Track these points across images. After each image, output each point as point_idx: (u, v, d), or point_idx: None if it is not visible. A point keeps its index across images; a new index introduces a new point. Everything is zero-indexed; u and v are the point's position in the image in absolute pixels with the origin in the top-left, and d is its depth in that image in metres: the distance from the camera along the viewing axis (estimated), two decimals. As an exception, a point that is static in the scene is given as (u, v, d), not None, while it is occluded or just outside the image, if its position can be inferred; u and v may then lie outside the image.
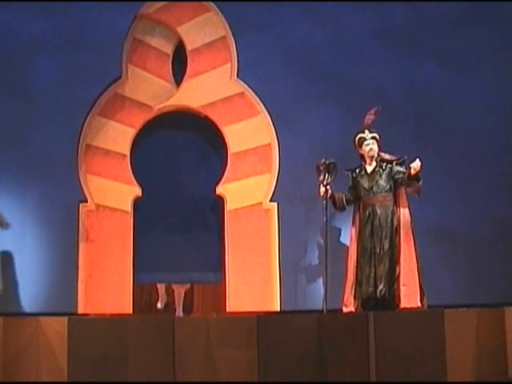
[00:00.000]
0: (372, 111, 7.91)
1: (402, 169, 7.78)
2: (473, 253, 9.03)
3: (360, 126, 7.97)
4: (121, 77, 9.34)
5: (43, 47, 9.20)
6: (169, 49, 9.51)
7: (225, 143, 9.25)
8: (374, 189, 7.78)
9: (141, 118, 9.36)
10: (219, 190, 9.14)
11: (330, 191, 7.77)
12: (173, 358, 6.68)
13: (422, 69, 9.36)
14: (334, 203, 7.87)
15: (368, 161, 7.88)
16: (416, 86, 9.32)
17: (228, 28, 9.40)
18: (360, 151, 7.93)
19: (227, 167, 9.20)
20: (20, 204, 8.74)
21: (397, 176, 7.76)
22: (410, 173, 7.57)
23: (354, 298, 7.66)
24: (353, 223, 7.88)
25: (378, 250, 7.63)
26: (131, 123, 9.35)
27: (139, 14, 9.48)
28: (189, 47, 9.45)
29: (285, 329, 6.82)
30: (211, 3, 9.45)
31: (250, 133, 9.26)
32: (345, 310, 7.65)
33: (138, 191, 9.21)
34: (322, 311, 7.59)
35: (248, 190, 9.14)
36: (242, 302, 8.69)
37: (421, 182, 7.68)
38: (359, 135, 7.91)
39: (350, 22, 9.47)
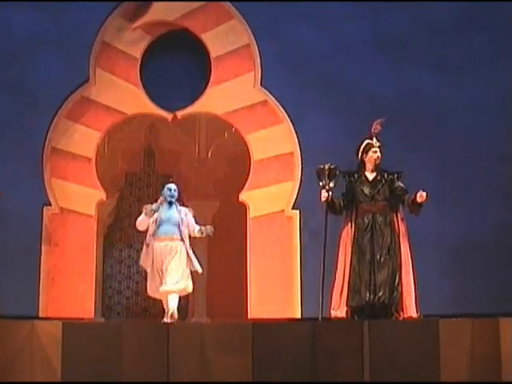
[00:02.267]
0: (379, 121, 7.90)
1: (401, 184, 7.76)
2: (469, 263, 9.03)
3: (365, 134, 7.97)
4: (88, 80, 9.33)
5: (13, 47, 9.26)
6: (138, 53, 9.53)
7: (247, 150, 9.28)
8: (376, 197, 7.76)
9: (107, 122, 9.39)
10: (242, 197, 9.17)
11: (330, 196, 7.74)
12: (167, 363, 6.67)
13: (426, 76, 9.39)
14: (334, 208, 7.82)
15: (371, 168, 7.85)
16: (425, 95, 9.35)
17: (252, 36, 9.42)
18: (364, 157, 7.88)
19: (250, 175, 9.23)
20: (-17, 206, 8.67)
21: (397, 192, 7.73)
22: (415, 199, 7.57)
23: (346, 304, 7.62)
24: (345, 228, 7.83)
25: (378, 257, 7.61)
26: (97, 127, 9.42)
27: (158, 20, 9.51)
28: (213, 55, 9.47)
29: (279, 336, 6.81)
30: (234, 10, 9.45)
31: (273, 141, 9.33)
32: (333, 313, 7.60)
33: (102, 195, 9.23)
34: (317, 319, 7.58)
35: (270, 198, 9.21)
36: (263, 308, 8.70)
37: (421, 207, 7.67)
38: (367, 141, 7.89)
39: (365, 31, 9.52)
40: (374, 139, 7.90)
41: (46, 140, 9.21)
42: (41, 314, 8.71)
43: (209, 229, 8.27)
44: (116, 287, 11.50)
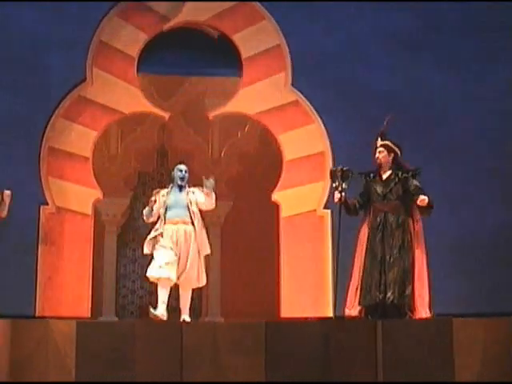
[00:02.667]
0: (386, 119, 7.88)
1: (416, 183, 7.73)
2: (482, 262, 9.01)
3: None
4: (85, 79, 9.36)
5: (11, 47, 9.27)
6: (134, 52, 9.55)
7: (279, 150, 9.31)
8: (388, 196, 7.74)
9: (104, 121, 9.42)
10: (274, 196, 9.19)
11: (343, 198, 7.74)
12: (180, 362, 6.68)
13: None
14: (348, 209, 7.82)
15: (383, 167, 7.84)
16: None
17: (282, 37, 9.45)
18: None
19: (282, 174, 9.25)
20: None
21: (412, 190, 7.71)
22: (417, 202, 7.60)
23: (359, 303, 7.62)
24: (362, 228, 7.84)
25: (388, 257, 7.59)
26: (94, 126, 9.44)
27: (189, 21, 9.56)
28: (244, 55, 9.50)
29: (292, 335, 6.81)
30: (265, 11, 9.49)
31: (304, 141, 9.35)
32: (347, 312, 7.61)
33: (99, 194, 9.26)
34: (331, 318, 7.59)
35: (302, 197, 9.21)
36: (295, 307, 8.69)
37: (432, 210, 7.66)
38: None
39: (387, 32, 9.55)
40: (379, 139, 7.89)
41: (43, 139, 9.24)
42: (38, 314, 8.73)
43: (208, 183, 8.03)
44: (130, 287, 11.53)
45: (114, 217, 11.14)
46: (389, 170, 7.83)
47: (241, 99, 9.66)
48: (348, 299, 7.67)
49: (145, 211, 8.19)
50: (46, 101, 9.26)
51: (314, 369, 6.68)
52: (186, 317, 7.89)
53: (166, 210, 8.03)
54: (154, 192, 8.25)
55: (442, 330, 6.92)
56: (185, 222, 7.99)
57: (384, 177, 7.81)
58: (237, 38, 9.67)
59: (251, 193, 11.44)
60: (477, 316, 7.50)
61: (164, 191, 8.18)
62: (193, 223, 7.99)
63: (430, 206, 7.60)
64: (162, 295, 7.85)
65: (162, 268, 7.83)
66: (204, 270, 8.05)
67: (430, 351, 6.81)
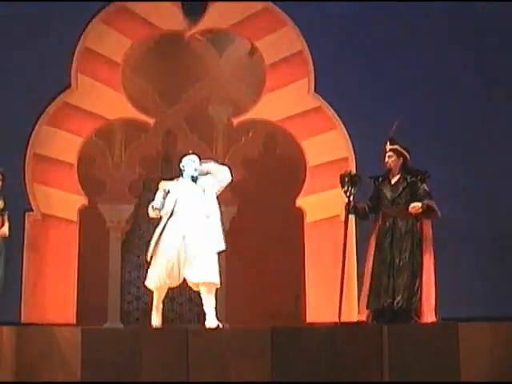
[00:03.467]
0: (395, 123, 7.88)
1: (425, 187, 7.72)
2: (490, 266, 9.01)
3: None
4: (70, 85, 9.37)
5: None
6: (119, 57, 9.56)
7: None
8: (397, 200, 7.73)
9: (89, 127, 9.42)
10: (299, 202, 9.20)
11: (352, 202, 7.72)
12: (186, 369, 6.67)
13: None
14: (358, 213, 7.82)
15: (393, 171, 7.83)
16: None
17: (304, 43, 9.47)
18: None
19: (306, 180, 9.27)
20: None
21: (419, 194, 7.69)
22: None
23: (366, 307, 7.61)
24: (372, 232, 7.83)
25: (397, 262, 7.57)
26: (79, 132, 9.46)
27: (211, 28, 9.58)
28: (267, 61, 9.53)
29: (298, 340, 6.80)
30: (287, 17, 9.53)
31: (328, 147, 9.37)
32: (358, 317, 7.62)
33: (84, 200, 9.26)
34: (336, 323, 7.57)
35: (326, 203, 9.21)
36: (321, 312, 8.69)
37: (435, 213, 7.65)
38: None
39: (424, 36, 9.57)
40: (388, 143, 7.88)
41: (28, 146, 9.26)
42: (23, 320, 8.74)
43: (207, 164, 7.78)
44: (134, 293, 11.52)
45: (119, 223, 11.14)
46: (398, 174, 7.82)
47: (264, 106, 9.72)
48: (360, 304, 7.67)
49: (155, 203, 7.68)
50: (31, 107, 9.27)
51: (320, 374, 6.67)
52: (208, 322, 7.39)
53: (175, 203, 7.59)
54: (161, 184, 7.83)
55: (447, 335, 6.90)
56: (198, 215, 7.53)
57: (393, 181, 7.80)
58: (259, 45, 9.72)
59: (256, 198, 11.43)
60: (483, 320, 7.48)
61: (172, 183, 7.78)
62: (206, 216, 7.53)
63: (431, 210, 7.59)
64: (158, 303, 7.58)
65: (160, 278, 7.48)
66: (217, 268, 7.49)
67: (436, 356, 6.78)
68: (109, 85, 9.57)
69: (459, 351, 6.82)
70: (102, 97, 9.55)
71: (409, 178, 7.76)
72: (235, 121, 10.01)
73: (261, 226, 11.66)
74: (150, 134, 11.34)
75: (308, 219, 9.39)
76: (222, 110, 11.60)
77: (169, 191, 7.65)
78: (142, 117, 9.94)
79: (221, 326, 7.28)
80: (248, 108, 10.21)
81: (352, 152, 9.32)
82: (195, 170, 7.77)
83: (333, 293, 8.84)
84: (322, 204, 9.34)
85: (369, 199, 7.85)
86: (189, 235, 7.45)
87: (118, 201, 11.06)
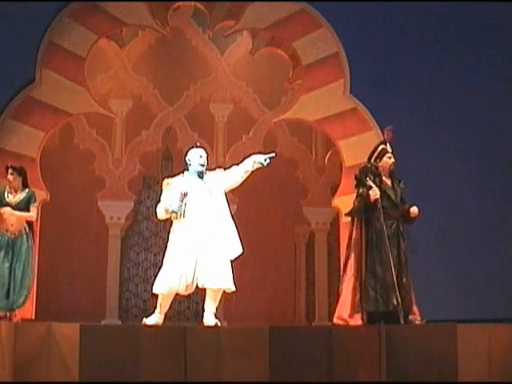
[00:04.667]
0: (391, 127, 7.87)
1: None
2: (489, 268, 9.02)
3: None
4: (34, 80, 9.38)
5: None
6: (84, 52, 9.56)
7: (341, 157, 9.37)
8: (398, 202, 7.71)
9: (53, 122, 9.43)
10: (335, 202, 9.20)
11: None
12: (184, 366, 6.66)
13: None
14: (366, 208, 7.65)
15: (386, 174, 7.79)
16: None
17: (340, 44, 9.51)
18: (378, 163, 7.78)
19: (342, 180, 9.30)
20: None
21: (404, 199, 7.72)
22: (408, 212, 7.57)
23: (362, 309, 7.49)
24: (357, 232, 7.71)
25: (403, 263, 7.56)
26: (43, 127, 9.46)
27: (248, 29, 9.59)
28: (303, 62, 9.59)
29: (296, 340, 6.79)
30: (323, 19, 9.58)
31: (363, 147, 9.36)
32: (351, 322, 7.47)
33: (45, 195, 9.28)
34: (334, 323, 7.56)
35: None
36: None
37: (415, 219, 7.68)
38: (381, 146, 7.84)
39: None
40: (388, 145, 7.86)
41: None
42: None
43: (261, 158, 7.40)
44: (133, 290, 11.54)
45: (118, 220, 11.14)
46: (388, 177, 7.79)
47: (301, 106, 9.79)
48: (349, 306, 7.52)
49: (173, 207, 7.04)
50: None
51: (317, 374, 6.66)
52: (206, 320, 7.14)
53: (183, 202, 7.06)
54: (165, 182, 7.26)
55: (446, 336, 6.89)
56: (210, 218, 7.10)
57: (389, 183, 7.76)
58: (296, 46, 9.78)
59: (255, 196, 11.44)
60: (481, 322, 7.48)
61: (178, 181, 7.25)
62: (217, 216, 7.12)
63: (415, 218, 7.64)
64: (165, 306, 7.26)
65: (170, 283, 7.06)
66: (230, 272, 7.15)
67: (434, 356, 6.78)
68: (73, 79, 9.57)
69: (457, 352, 6.81)
70: (66, 91, 9.54)
71: (401, 182, 7.77)
72: (273, 120, 10.23)
73: (260, 225, 11.67)
74: (151, 130, 11.36)
75: (344, 219, 9.40)
76: (223, 108, 11.62)
77: (186, 193, 7.07)
78: (106, 112, 9.94)
79: (219, 324, 7.24)
80: (287, 108, 10.42)
81: None
82: (202, 165, 7.26)
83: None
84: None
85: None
86: (203, 242, 7.06)
87: (118, 197, 11.06)
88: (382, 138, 9.31)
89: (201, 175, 7.28)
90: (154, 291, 7.19)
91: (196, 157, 7.30)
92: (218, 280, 7.05)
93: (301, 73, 10.15)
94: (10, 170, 8.24)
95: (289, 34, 9.82)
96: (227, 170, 7.38)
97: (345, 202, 9.27)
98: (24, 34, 9.38)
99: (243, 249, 7.31)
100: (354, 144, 9.50)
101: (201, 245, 7.06)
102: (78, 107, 9.73)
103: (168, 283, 7.07)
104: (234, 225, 7.30)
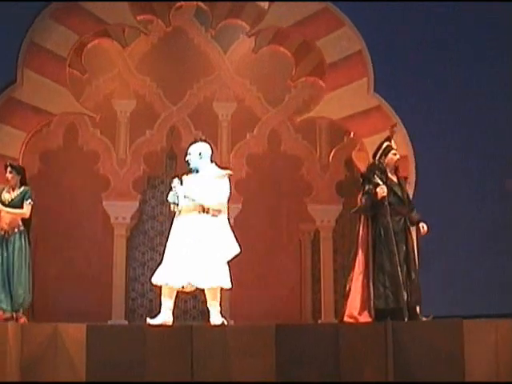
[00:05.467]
0: (394, 124, 7.88)
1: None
2: (495, 263, 9.02)
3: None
4: (16, 80, 9.38)
5: None
6: (65, 52, 9.54)
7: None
8: (406, 199, 7.72)
9: (35, 123, 9.43)
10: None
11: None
12: (191, 365, 6.65)
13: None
14: (373, 205, 7.63)
15: (392, 170, 7.78)
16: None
17: (363, 43, 9.54)
18: (383, 159, 7.78)
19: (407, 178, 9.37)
20: None
21: (408, 197, 7.74)
22: (417, 225, 7.62)
23: (373, 306, 7.48)
24: (364, 229, 7.72)
25: (412, 260, 7.56)
26: (24, 127, 9.45)
27: (272, 27, 9.78)
28: (327, 61, 9.63)
29: (303, 338, 6.79)
30: (345, 17, 9.61)
31: None
32: (361, 319, 7.47)
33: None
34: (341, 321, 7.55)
35: None
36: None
37: None
38: (386, 143, 7.82)
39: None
40: (393, 141, 7.86)
41: None
42: None
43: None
44: (139, 290, 11.54)
45: (123, 220, 11.14)
46: (393, 173, 7.78)
47: (325, 104, 9.83)
48: (358, 304, 7.52)
49: (169, 198, 7.39)
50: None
51: (324, 372, 6.66)
52: (212, 319, 7.22)
53: (178, 198, 7.30)
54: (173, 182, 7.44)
55: (452, 332, 6.88)
56: (198, 212, 7.23)
57: (395, 180, 7.75)
58: (319, 44, 9.82)
59: (260, 195, 11.45)
60: (488, 317, 7.47)
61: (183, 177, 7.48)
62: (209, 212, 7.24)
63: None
64: (166, 301, 7.34)
65: (166, 274, 7.24)
66: (225, 269, 7.26)
67: (441, 353, 6.77)
68: (55, 80, 9.56)
69: (464, 348, 6.79)
70: (47, 92, 9.53)
71: (405, 179, 7.81)
72: (298, 119, 10.23)
73: (265, 223, 11.67)
74: (155, 130, 11.36)
75: None
76: (227, 107, 11.61)
77: (175, 184, 7.32)
78: (87, 112, 9.92)
79: (225, 322, 7.26)
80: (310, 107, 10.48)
81: (411, 150, 9.37)
82: (187, 162, 7.43)
83: None
84: None
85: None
86: (195, 239, 7.18)
87: (123, 197, 11.06)
88: (405, 135, 9.38)
89: (195, 171, 7.42)
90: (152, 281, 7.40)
91: (191, 153, 7.48)
92: (210, 279, 7.14)
93: (322, 71, 10.22)
94: (8, 169, 8.25)
95: (312, 33, 9.88)
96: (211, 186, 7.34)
97: None
98: (5, 34, 9.36)
99: (241, 248, 7.45)
100: (378, 141, 9.52)
101: (193, 242, 7.16)
102: (59, 107, 9.71)
103: (162, 275, 7.25)
104: (228, 225, 7.43)
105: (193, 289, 7.37)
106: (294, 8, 9.82)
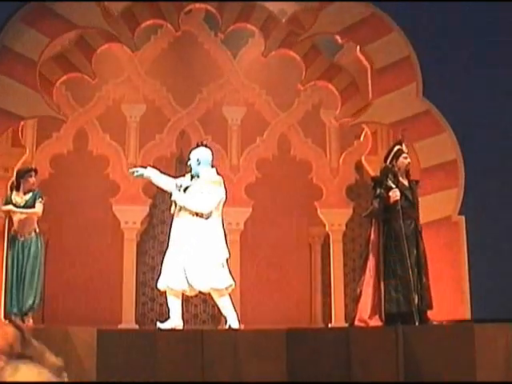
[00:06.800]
0: (405, 128, 7.87)
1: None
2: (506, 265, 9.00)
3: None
4: None
5: None
6: (36, 56, 9.53)
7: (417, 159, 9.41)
8: (415, 203, 7.71)
9: (5, 126, 9.42)
10: None
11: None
12: (202, 370, 6.65)
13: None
14: (385, 209, 7.65)
15: (403, 174, 7.77)
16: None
17: (411, 48, 9.56)
18: (394, 163, 7.78)
19: (419, 182, 9.38)
20: None
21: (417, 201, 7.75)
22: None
23: (384, 310, 7.47)
24: (374, 233, 7.71)
25: (422, 264, 7.55)
26: None
27: (322, 32, 9.93)
28: (376, 66, 9.69)
29: (314, 343, 6.78)
30: (393, 23, 9.64)
31: (437, 149, 9.44)
32: (372, 323, 7.47)
33: None
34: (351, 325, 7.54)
35: (437, 204, 9.28)
36: (434, 311, 8.68)
37: None
38: (397, 147, 7.83)
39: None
40: (403, 145, 7.85)
41: None
42: None
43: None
44: (149, 294, 11.53)
45: (134, 224, 11.15)
46: (405, 177, 7.77)
47: (375, 109, 9.85)
48: (369, 308, 7.52)
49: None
50: None
51: (335, 376, 6.64)
52: (230, 323, 7.34)
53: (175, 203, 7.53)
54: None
55: (463, 336, 6.86)
56: (195, 215, 7.39)
57: (406, 184, 7.75)
58: (368, 50, 9.85)
59: (270, 199, 11.44)
60: (499, 321, 7.44)
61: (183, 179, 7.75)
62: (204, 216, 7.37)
63: None
64: (173, 305, 7.47)
65: (168, 278, 7.43)
66: (224, 271, 7.42)
67: (452, 357, 6.75)
68: (25, 83, 9.55)
69: (475, 352, 6.78)
70: (18, 95, 9.50)
71: (417, 182, 7.79)
72: (350, 123, 10.28)
73: (275, 227, 11.66)
74: (165, 134, 11.37)
75: (422, 220, 9.45)
76: (236, 111, 11.62)
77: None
78: (58, 116, 9.90)
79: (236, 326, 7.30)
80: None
81: (460, 154, 9.38)
82: (189, 167, 7.71)
83: (446, 292, 8.92)
84: (433, 205, 9.39)
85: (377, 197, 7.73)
86: (191, 241, 7.35)
87: (133, 202, 11.06)
88: (455, 139, 9.39)
89: (196, 176, 7.62)
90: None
91: (191, 159, 7.78)
92: (204, 282, 7.32)
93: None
94: (32, 173, 8.34)
95: (361, 39, 9.92)
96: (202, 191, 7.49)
97: (422, 203, 9.37)
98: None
99: (229, 252, 7.60)
100: (428, 146, 9.56)
101: (188, 246, 7.34)
102: (30, 110, 9.67)
103: (163, 280, 7.47)
104: (221, 229, 7.51)
105: (195, 292, 7.56)
106: (342, 14, 9.88)
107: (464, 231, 9.14)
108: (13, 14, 9.40)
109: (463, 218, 9.21)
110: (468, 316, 8.76)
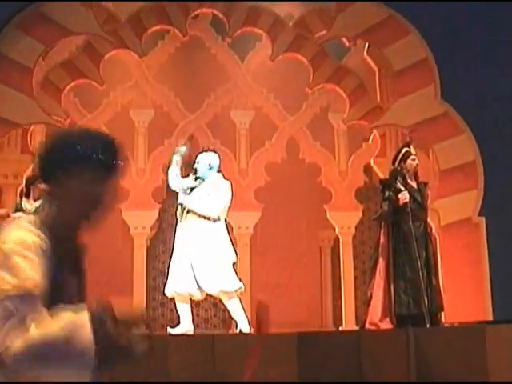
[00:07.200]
0: (414, 130, 7.87)
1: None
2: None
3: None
4: None
5: None
6: (31, 62, 9.53)
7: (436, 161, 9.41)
8: (425, 205, 7.71)
9: (1, 133, 9.44)
10: (433, 205, 9.30)
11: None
12: (213, 374, 6.64)
13: None
14: (394, 211, 7.66)
15: (411, 176, 7.77)
16: None
17: (429, 50, 9.58)
18: (402, 165, 7.78)
19: (438, 183, 9.39)
20: None
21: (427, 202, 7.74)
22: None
23: (394, 312, 7.47)
24: (384, 235, 7.71)
25: (432, 265, 7.54)
26: None
27: (339, 35, 9.82)
28: (394, 68, 9.71)
29: (325, 346, 6.76)
30: (410, 25, 9.69)
31: (456, 151, 9.46)
32: (382, 326, 7.46)
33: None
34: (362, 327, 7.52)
35: (457, 206, 9.34)
36: (456, 312, 8.69)
37: None
38: (405, 149, 7.83)
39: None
40: (411, 146, 7.84)
41: None
42: None
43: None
44: (160, 299, 11.53)
45: (143, 229, 11.16)
46: (413, 179, 7.76)
47: (394, 112, 9.88)
48: (379, 311, 7.51)
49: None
50: None
51: (346, 379, 6.62)
52: (240, 327, 7.42)
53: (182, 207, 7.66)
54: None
55: (475, 338, 6.84)
56: (202, 219, 7.49)
57: (414, 185, 7.74)
58: (386, 52, 9.87)
59: (279, 203, 11.44)
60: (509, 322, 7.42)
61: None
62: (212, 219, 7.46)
63: None
64: (183, 311, 7.53)
65: (175, 284, 7.49)
66: (231, 273, 7.51)
67: (464, 359, 6.73)
68: (21, 90, 9.56)
69: (487, 353, 6.75)
70: (13, 102, 9.52)
71: (425, 184, 7.78)
72: (371, 126, 10.33)
73: (285, 231, 11.66)
74: (173, 139, 11.38)
75: (442, 222, 9.47)
76: (244, 115, 11.63)
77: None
78: (54, 122, 9.91)
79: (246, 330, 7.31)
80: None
81: (479, 155, 9.38)
82: (195, 170, 7.84)
83: (467, 293, 8.93)
84: (453, 207, 9.41)
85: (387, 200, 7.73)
86: (198, 245, 7.41)
87: (142, 207, 11.07)
88: (473, 140, 9.39)
89: (202, 180, 7.75)
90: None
91: (197, 162, 7.90)
92: (218, 284, 7.38)
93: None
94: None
95: (379, 41, 9.95)
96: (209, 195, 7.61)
97: (441, 205, 9.38)
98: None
99: (237, 255, 7.77)
100: (447, 148, 9.56)
101: (193, 250, 7.40)
102: (26, 118, 9.69)
103: (170, 285, 7.56)
104: (226, 232, 7.63)
105: (203, 297, 7.64)
106: (360, 17, 9.90)
107: (484, 232, 9.14)
108: (8, 20, 9.41)
109: (483, 219, 9.20)
110: (490, 317, 8.74)
